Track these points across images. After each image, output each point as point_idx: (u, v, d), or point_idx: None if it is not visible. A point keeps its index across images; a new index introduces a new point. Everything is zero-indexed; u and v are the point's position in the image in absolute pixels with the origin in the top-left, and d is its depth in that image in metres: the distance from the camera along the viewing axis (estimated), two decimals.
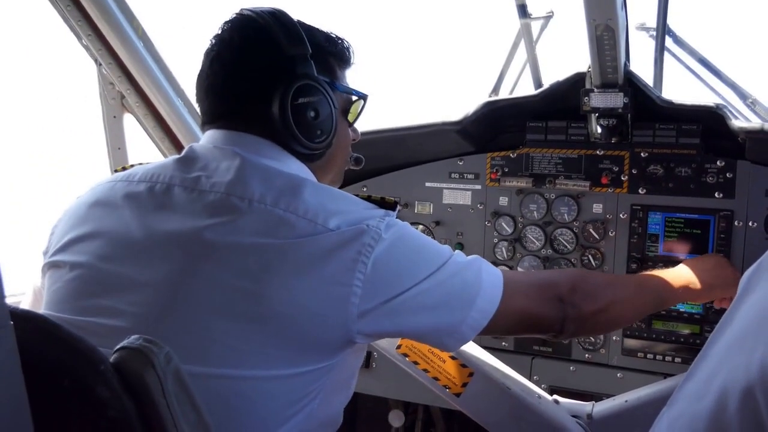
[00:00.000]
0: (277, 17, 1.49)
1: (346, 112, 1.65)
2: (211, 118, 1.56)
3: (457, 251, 1.51)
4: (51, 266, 1.47)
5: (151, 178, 1.46)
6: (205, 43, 1.56)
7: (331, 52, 1.58)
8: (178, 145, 2.69)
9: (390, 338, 1.92)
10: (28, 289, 1.66)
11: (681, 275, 2.01)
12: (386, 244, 1.34)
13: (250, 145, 1.47)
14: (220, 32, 1.54)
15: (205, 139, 1.54)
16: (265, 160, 1.45)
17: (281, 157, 1.49)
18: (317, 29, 1.58)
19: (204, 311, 1.28)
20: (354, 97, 1.65)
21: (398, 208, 1.46)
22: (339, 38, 1.61)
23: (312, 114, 1.47)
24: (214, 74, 1.52)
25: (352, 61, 1.65)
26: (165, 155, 2.72)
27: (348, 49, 1.63)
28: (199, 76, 1.56)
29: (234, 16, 1.54)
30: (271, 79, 1.45)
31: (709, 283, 2.03)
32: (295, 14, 1.54)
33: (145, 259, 1.35)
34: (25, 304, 1.65)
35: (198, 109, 1.62)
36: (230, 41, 1.51)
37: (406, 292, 1.36)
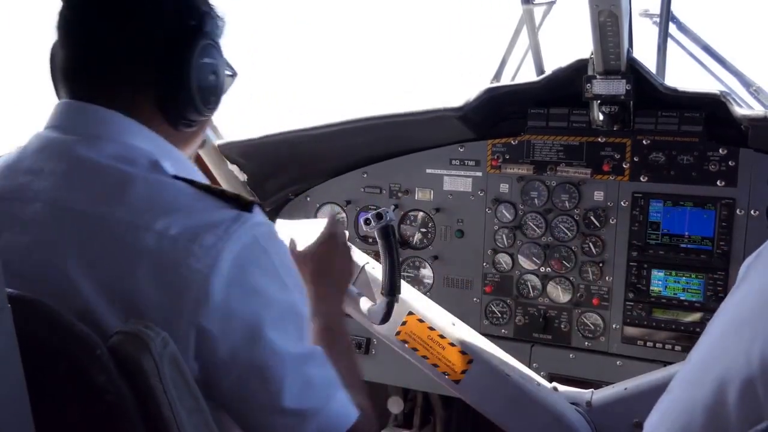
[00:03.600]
0: None
1: None
2: (71, 73, 1.32)
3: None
4: None
5: None
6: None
7: (215, 17, 1.40)
8: None
9: (388, 324, 1.91)
10: None
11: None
12: (227, 271, 1.13)
13: (100, 125, 1.27)
14: None
15: (51, 120, 1.32)
16: (106, 145, 1.25)
17: (134, 133, 1.28)
18: None
19: None
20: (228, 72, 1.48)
21: (256, 209, 1.22)
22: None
23: (212, 77, 1.33)
24: (95, 19, 1.29)
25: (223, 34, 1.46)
26: None
27: (222, 18, 1.44)
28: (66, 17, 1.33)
29: None
30: (174, 32, 1.28)
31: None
32: None
33: None
34: None
35: None
36: None
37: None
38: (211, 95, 1.34)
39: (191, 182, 1.22)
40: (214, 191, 1.21)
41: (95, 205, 1.16)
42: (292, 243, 1.82)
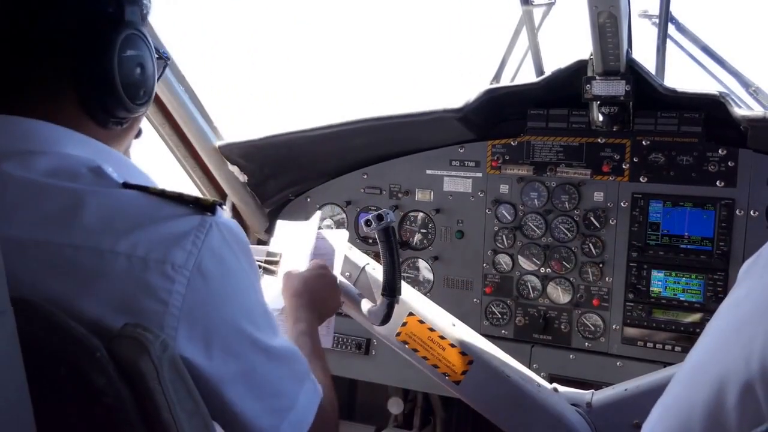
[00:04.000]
0: None
1: None
2: None
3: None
4: None
5: None
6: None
7: (136, 1, 1.28)
8: (184, 139, 2.63)
9: (389, 325, 1.91)
10: None
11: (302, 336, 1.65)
12: (201, 285, 1.09)
13: (25, 137, 1.15)
14: None
15: None
16: (38, 160, 1.12)
17: (65, 140, 1.17)
18: None
19: None
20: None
21: (218, 210, 1.15)
22: None
23: (138, 70, 1.23)
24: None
25: (149, 14, 1.34)
26: (173, 151, 2.65)
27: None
28: None
29: None
30: (89, 26, 1.17)
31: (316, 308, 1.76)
32: None
33: None
34: None
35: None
36: None
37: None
38: (140, 89, 1.23)
39: (144, 188, 1.13)
40: (170, 196, 1.12)
41: (44, 232, 1.06)
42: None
